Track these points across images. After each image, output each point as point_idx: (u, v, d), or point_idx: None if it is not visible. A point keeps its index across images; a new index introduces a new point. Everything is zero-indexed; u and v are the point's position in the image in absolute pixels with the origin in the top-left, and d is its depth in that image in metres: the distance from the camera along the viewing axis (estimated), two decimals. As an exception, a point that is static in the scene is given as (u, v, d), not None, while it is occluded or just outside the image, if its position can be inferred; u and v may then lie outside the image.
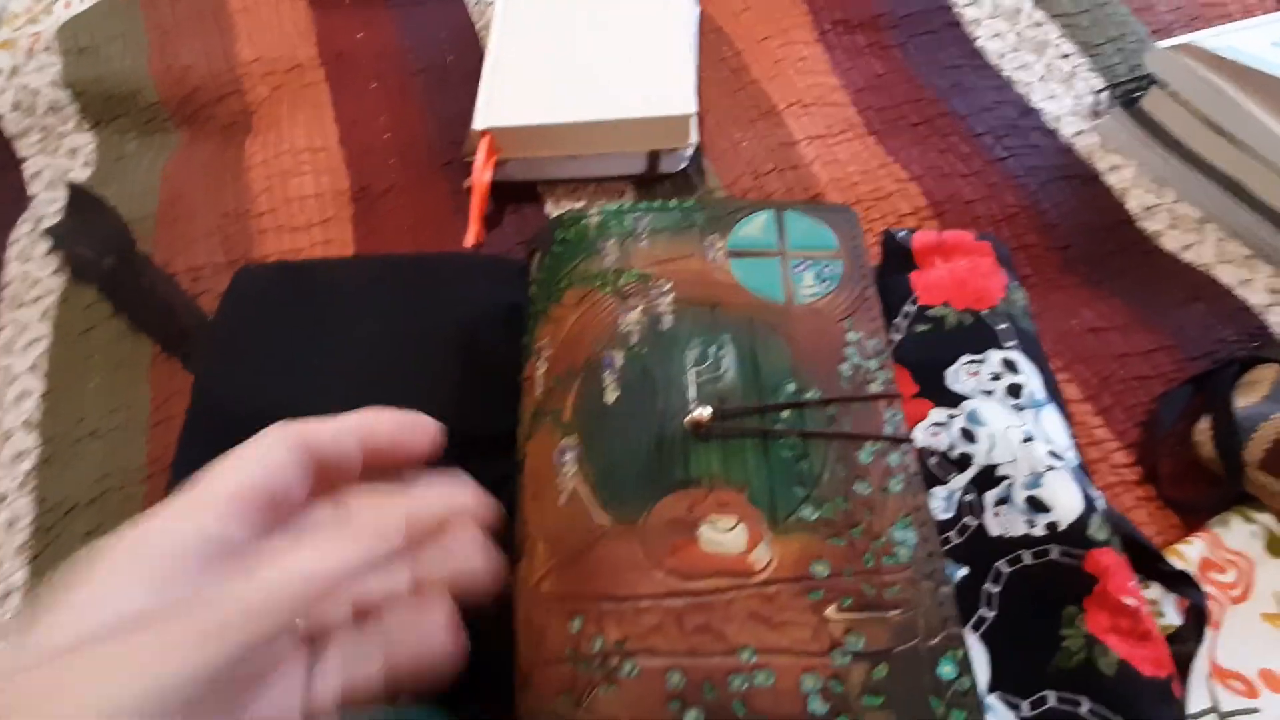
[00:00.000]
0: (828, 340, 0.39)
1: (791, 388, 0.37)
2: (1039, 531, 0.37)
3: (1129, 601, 0.34)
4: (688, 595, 0.32)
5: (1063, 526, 0.37)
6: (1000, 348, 0.43)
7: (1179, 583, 0.38)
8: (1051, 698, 0.34)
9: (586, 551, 0.34)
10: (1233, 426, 0.42)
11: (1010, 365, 0.42)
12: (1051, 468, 0.38)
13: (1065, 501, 0.37)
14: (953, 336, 0.44)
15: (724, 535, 0.34)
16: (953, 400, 0.42)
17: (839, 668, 0.31)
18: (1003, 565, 0.37)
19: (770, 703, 0.30)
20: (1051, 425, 0.41)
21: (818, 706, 0.30)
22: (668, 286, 0.41)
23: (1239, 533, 0.41)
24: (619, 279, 0.41)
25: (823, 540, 0.33)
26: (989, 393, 0.42)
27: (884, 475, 0.36)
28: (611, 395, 0.37)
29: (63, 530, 0.46)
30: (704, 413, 0.36)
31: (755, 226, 0.43)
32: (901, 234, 0.49)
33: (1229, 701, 0.36)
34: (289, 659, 0.24)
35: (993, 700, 0.35)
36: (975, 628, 0.36)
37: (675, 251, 0.42)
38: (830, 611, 0.32)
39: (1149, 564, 0.38)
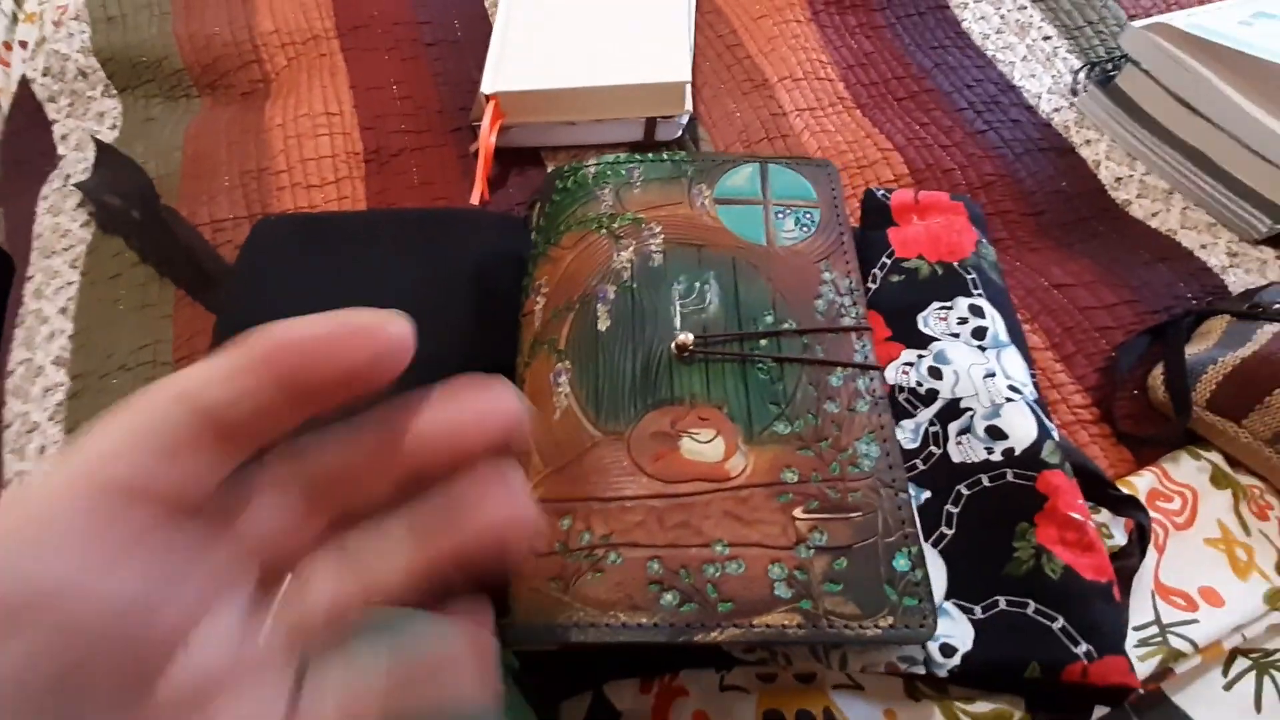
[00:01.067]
0: (805, 278, 0.42)
1: (770, 319, 0.41)
2: (996, 457, 0.40)
3: (1075, 516, 0.37)
4: (669, 497, 0.35)
5: (1018, 451, 0.40)
6: (968, 295, 0.46)
7: (1125, 506, 0.41)
8: (1002, 601, 0.37)
9: (577, 460, 0.37)
10: (1182, 370, 0.45)
11: (976, 310, 0.45)
12: (1010, 399, 0.41)
13: (1021, 429, 0.40)
14: (925, 285, 0.47)
15: (703, 445, 0.37)
16: (922, 342, 0.45)
17: (803, 559, 0.34)
18: (962, 488, 0.40)
19: (740, 587, 0.33)
20: (1012, 364, 0.44)
21: (783, 591, 0.33)
22: (658, 229, 0.44)
23: (1187, 467, 0.44)
24: (613, 222, 0.44)
25: (793, 451, 0.37)
26: (956, 335, 0.45)
27: (852, 397, 0.39)
28: (604, 324, 0.41)
29: (91, 457, 0.50)
30: (687, 338, 0.39)
31: (741, 177, 0.47)
32: (881, 193, 0.52)
33: (1170, 614, 0.39)
34: (231, 580, 0.19)
35: (949, 606, 0.38)
36: (935, 544, 0.40)
37: (666, 198, 0.45)
38: (798, 512, 0.35)
39: (1098, 490, 0.41)
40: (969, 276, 0.47)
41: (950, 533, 0.40)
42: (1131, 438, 0.45)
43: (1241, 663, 0.39)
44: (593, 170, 0.47)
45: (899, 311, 0.46)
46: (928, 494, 0.41)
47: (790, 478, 0.36)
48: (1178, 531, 0.42)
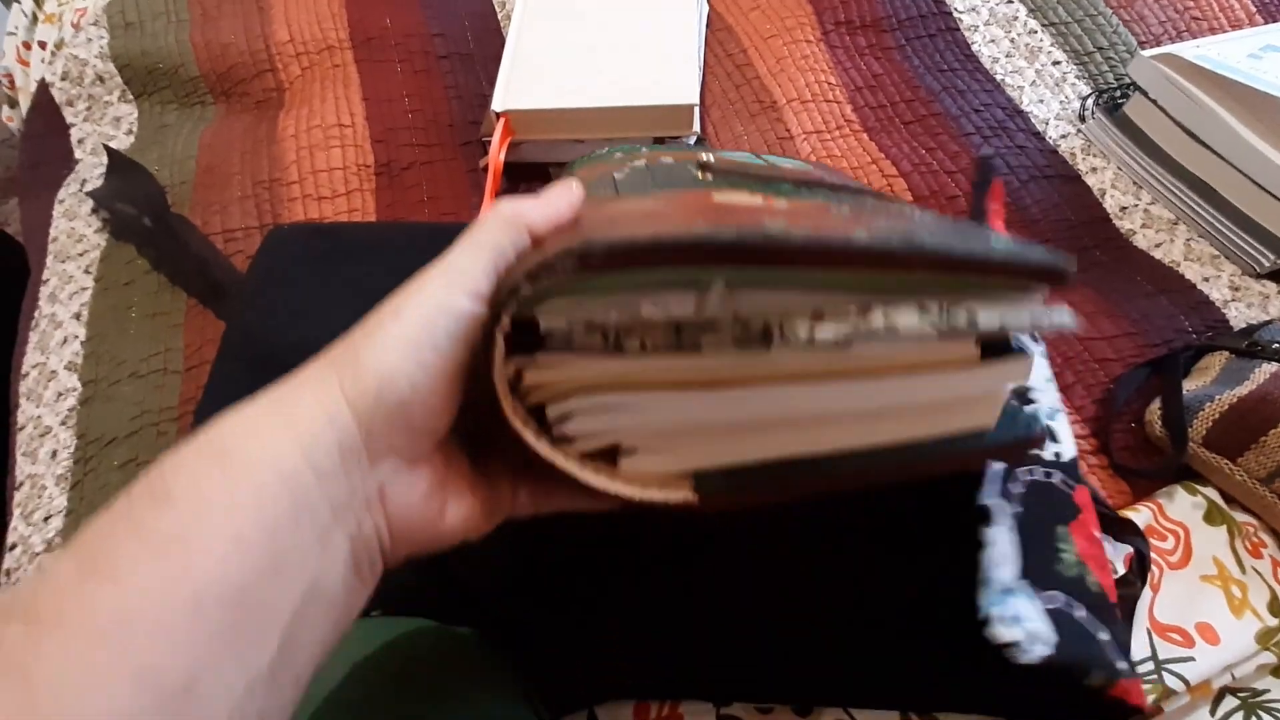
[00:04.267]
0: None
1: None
2: (1049, 456, 0.40)
3: (1098, 534, 0.38)
4: None
5: (1064, 459, 0.40)
6: None
7: (1123, 530, 0.41)
8: (1060, 599, 0.36)
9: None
10: (1180, 406, 0.45)
11: None
12: (1061, 411, 0.42)
13: (1067, 440, 0.41)
14: None
15: (734, 196, 0.32)
16: None
17: None
18: (1022, 472, 0.39)
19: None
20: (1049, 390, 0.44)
21: None
22: (670, 157, 0.40)
23: (1181, 503, 0.44)
24: (627, 154, 0.41)
25: None
26: None
27: None
28: (620, 174, 0.37)
29: (100, 462, 0.51)
30: (710, 157, 0.37)
31: (741, 155, 0.44)
32: None
33: (1167, 650, 0.40)
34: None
35: (1024, 585, 0.35)
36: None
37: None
38: None
39: (1100, 515, 0.42)
40: None
41: (1018, 511, 0.38)
42: (1128, 470, 0.46)
43: (1230, 701, 0.40)
44: (603, 150, 0.46)
45: None
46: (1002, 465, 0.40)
47: None
48: (1172, 570, 0.42)
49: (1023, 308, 0.25)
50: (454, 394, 0.26)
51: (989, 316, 0.24)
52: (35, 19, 0.88)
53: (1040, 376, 0.43)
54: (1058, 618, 0.35)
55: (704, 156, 0.37)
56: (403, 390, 0.24)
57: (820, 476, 0.27)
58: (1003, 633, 0.32)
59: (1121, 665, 0.35)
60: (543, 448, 0.25)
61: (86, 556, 0.20)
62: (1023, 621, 0.33)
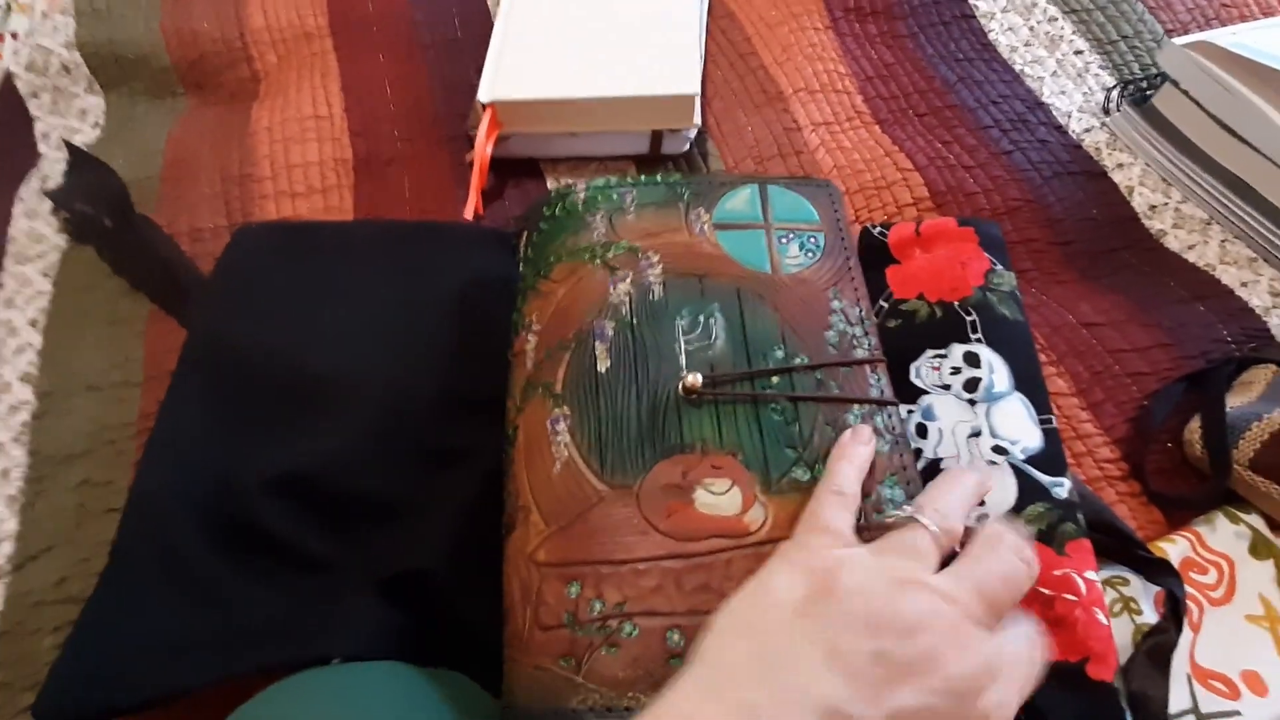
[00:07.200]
0: (814, 308, 0.40)
1: (780, 354, 0.38)
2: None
3: (1043, 590, 0.35)
4: (686, 556, 0.32)
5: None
6: (965, 341, 0.43)
7: (1156, 570, 0.37)
8: None
9: (583, 518, 0.34)
10: (1223, 425, 0.41)
11: (971, 359, 0.42)
12: (993, 462, 0.38)
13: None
14: (921, 330, 0.44)
15: (719, 498, 0.34)
16: (913, 396, 0.42)
17: None
18: None
19: None
20: (1003, 418, 0.40)
21: None
22: (656, 258, 0.41)
23: (1224, 533, 0.41)
24: (607, 252, 0.41)
25: None
26: (947, 387, 0.41)
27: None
28: (603, 365, 0.38)
29: (53, 482, 0.47)
30: (696, 379, 0.36)
31: (740, 200, 0.44)
32: (878, 230, 0.48)
33: (1209, 702, 0.36)
34: None
35: None
36: None
37: (662, 225, 0.42)
38: None
39: (1127, 551, 0.38)
40: (968, 319, 0.43)
41: None
42: (1164, 498, 0.42)
43: (1282, 755, 0.36)
44: (582, 196, 0.44)
45: (892, 361, 0.43)
46: None
47: None
48: (1214, 608, 0.38)
49: None
50: None
51: None
52: (9, 9, 0.84)
53: (1014, 418, 0.40)
54: None
55: (690, 378, 0.37)
56: None
57: None
58: None
59: None
60: None
61: None
62: None
